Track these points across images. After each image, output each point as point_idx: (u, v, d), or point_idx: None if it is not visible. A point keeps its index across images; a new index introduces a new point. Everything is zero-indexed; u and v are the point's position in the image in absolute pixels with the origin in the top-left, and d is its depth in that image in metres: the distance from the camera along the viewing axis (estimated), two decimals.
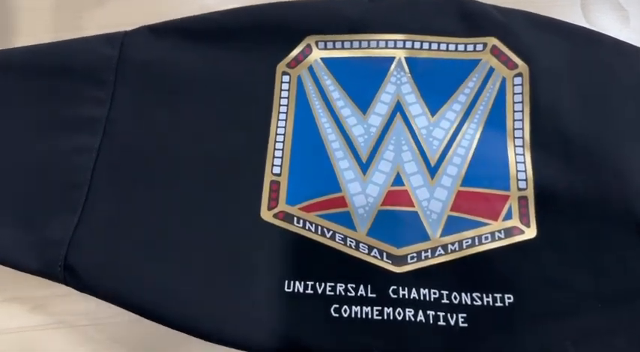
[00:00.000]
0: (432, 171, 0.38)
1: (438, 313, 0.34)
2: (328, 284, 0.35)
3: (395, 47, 0.41)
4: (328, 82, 0.40)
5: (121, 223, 0.36)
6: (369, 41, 0.41)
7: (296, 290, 0.35)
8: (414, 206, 0.37)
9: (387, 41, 0.41)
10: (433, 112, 0.39)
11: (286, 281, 0.35)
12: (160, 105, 0.39)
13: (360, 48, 0.41)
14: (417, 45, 0.41)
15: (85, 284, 0.35)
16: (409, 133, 0.39)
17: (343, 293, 0.34)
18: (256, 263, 0.35)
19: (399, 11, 0.41)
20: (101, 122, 0.39)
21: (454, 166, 0.38)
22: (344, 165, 0.38)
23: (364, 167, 0.38)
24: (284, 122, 0.39)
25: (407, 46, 0.41)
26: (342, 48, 0.41)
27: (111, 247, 0.36)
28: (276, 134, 0.39)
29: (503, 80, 0.39)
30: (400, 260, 0.36)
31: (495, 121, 0.39)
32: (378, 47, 0.41)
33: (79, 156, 0.38)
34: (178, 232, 0.36)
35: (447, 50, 0.40)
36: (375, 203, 0.37)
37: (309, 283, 0.35)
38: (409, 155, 0.38)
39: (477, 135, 0.39)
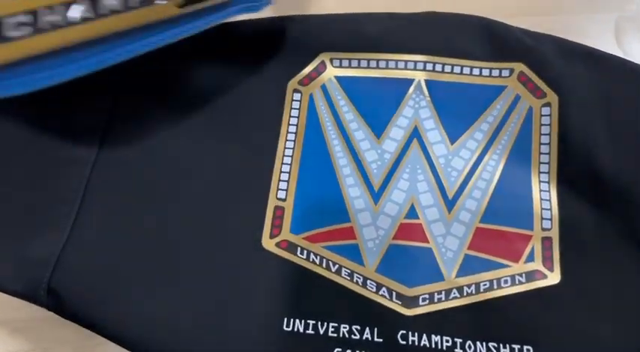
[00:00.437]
0: (450, 204, 0.35)
1: None
2: (331, 324, 0.32)
3: (415, 68, 0.38)
4: (342, 102, 0.37)
5: (112, 245, 0.33)
6: (387, 61, 0.38)
7: (296, 329, 0.32)
8: (428, 242, 0.34)
9: (406, 62, 0.38)
10: (453, 140, 0.37)
11: (285, 319, 0.32)
12: (161, 119, 0.36)
13: (377, 67, 0.38)
14: (439, 67, 0.38)
15: (69, 311, 0.33)
16: (426, 162, 0.36)
17: (347, 336, 0.31)
18: (255, 296, 0.32)
19: (421, 30, 0.39)
20: (98, 132, 0.36)
21: (473, 200, 0.35)
22: (354, 193, 0.35)
23: (376, 196, 0.35)
24: (292, 143, 0.36)
25: (427, 68, 0.38)
26: (359, 67, 0.38)
27: (100, 271, 0.33)
28: (284, 155, 0.36)
29: (530, 109, 0.37)
30: (411, 301, 0.33)
31: (520, 153, 0.36)
32: (396, 68, 0.38)
33: (72, 168, 0.35)
34: (174, 257, 0.33)
35: (471, 74, 0.38)
36: (386, 236, 0.34)
37: (311, 322, 0.32)
38: (425, 185, 0.35)
39: (500, 168, 0.36)
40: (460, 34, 0.38)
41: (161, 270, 0.33)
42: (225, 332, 0.31)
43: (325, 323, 0.32)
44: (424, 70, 0.38)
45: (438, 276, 0.33)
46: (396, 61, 0.38)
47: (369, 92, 0.38)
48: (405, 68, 0.38)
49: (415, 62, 0.38)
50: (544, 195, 0.35)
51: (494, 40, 0.38)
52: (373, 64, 0.38)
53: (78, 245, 0.33)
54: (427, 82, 0.38)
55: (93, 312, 0.32)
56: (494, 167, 0.36)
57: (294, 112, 0.37)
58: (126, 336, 0.31)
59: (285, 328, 0.32)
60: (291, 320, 0.32)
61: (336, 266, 0.34)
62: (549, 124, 0.36)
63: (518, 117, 0.37)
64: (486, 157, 0.36)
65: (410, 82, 0.38)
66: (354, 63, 0.38)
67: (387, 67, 0.38)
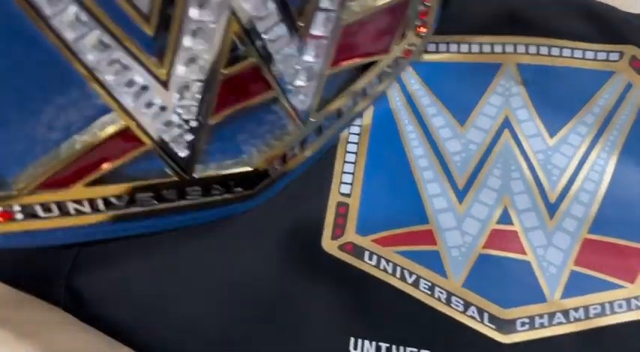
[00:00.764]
0: (551, 209, 0.29)
1: None
2: (408, 349, 0.25)
3: (503, 52, 0.32)
4: (416, 87, 0.31)
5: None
6: (469, 44, 0.32)
7: None
8: (525, 253, 0.28)
9: (492, 44, 0.32)
10: (552, 133, 0.30)
11: (352, 340, 0.25)
12: None
13: (458, 52, 0.32)
14: (533, 49, 0.32)
15: (91, 313, 0.26)
16: (521, 157, 0.30)
17: None
18: (314, 308, 0.26)
19: (508, 7, 0.33)
20: None
21: (580, 205, 0.29)
22: (433, 190, 0.29)
23: (460, 195, 0.29)
24: (358, 127, 0.30)
25: (519, 51, 0.32)
26: (436, 51, 0.32)
27: (129, 265, 0.27)
28: (347, 141, 0.30)
29: None
30: (507, 325, 0.26)
31: (634, 151, 0.30)
32: (481, 52, 0.32)
33: None
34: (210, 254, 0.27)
35: (572, 57, 0.32)
36: (474, 244, 0.28)
37: (383, 345, 0.25)
38: (520, 185, 0.29)
39: (611, 167, 0.29)
40: (557, 11, 0.32)
41: (196, 268, 0.27)
42: (277, 346, 0.25)
43: (400, 349, 0.25)
44: (515, 52, 0.32)
45: (539, 296, 0.27)
46: (481, 44, 0.32)
47: (448, 77, 0.32)
48: (492, 52, 0.32)
49: (504, 44, 0.32)
50: None
51: (598, 20, 0.32)
52: (454, 47, 0.32)
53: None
54: (519, 66, 0.32)
55: (119, 315, 0.26)
56: (603, 166, 0.29)
57: None
58: (157, 345, 0.25)
59: (351, 350, 0.25)
60: (359, 341, 0.25)
61: (413, 276, 0.27)
62: None
63: (630, 108, 0.31)
64: (593, 154, 0.30)
65: (497, 66, 0.32)
66: (431, 47, 0.32)
67: (469, 51, 0.32)
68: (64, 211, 0.22)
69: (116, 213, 0.23)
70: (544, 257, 0.28)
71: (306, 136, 0.26)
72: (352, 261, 0.27)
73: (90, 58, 0.18)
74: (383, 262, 0.27)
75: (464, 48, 0.32)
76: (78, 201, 0.22)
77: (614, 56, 0.31)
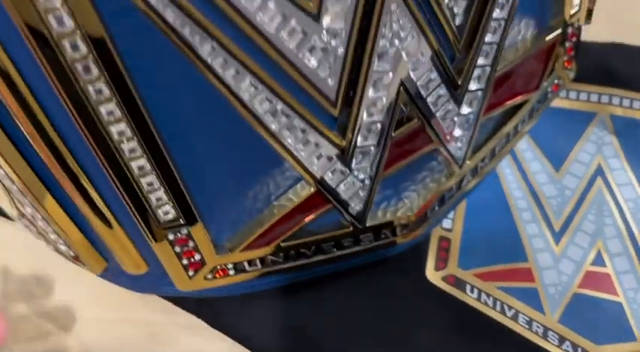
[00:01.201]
0: None
1: None
2: None
3: (599, 102, 0.34)
4: None
5: None
6: (567, 90, 0.35)
7: None
8: (617, 295, 0.30)
9: (589, 93, 0.35)
10: None
11: None
12: None
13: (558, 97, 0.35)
14: (627, 102, 0.34)
15: (221, 320, 0.30)
16: (613, 204, 0.32)
17: None
18: (418, 334, 0.29)
19: (606, 62, 0.35)
20: None
21: None
22: (532, 230, 0.32)
23: (557, 236, 0.32)
24: None
25: (614, 102, 0.34)
26: None
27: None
28: None
29: None
30: None
31: None
32: (578, 99, 0.35)
33: None
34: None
35: None
36: (570, 283, 0.30)
37: None
38: (613, 230, 0.31)
39: None
40: None
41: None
42: None
43: None
44: (609, 103, 0.34)
45: (630, 336, 0.29)
46: (578, 92, 0.35)
47: (545, 123, 0.34)
48: (588, 100, 0.35)
49: (599, 94, 0.35)
50: None
51: None
52: None
53: None
54: (612, 117, 0.34)
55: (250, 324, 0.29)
56: None
57: None
58: None
59: None
60: None
61: (512, 310, 0.30)
62: None
63: None
64: None
65: (592, 115, 0.34)
66: None
67: (567, 97, 0.35)
68: (264, 264, 0.26)
69: (294, 264, 0.27)
70: (634, 299, 0.30)
71: (462, 178, 0.29)
72: (454, 293, 0.30)
73: (288, 140, 0.21)
74: (484, 296, 0.30)
75: (562, 94, 0.35)
76: (270, 255, 0.26)
77: None
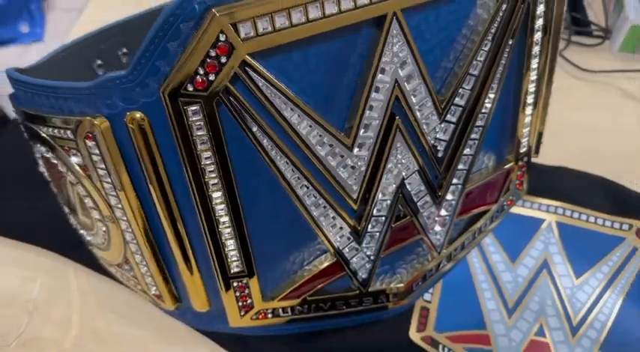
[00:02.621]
0: (574, 330, 0.41)
1: None
2: None
3: (547, 211, 0.46)
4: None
5: None
6: (523, 201, 0.46)
7: None
8: None
9: (540, 204, 0.46)
10: (578, 276, 0.43)
11: None
12: None
13: (518, 205, 0.46)
14: (568, 212, 0.46)
15: None
16: (554, 290, 0.42)
17: None
18: None
19: (552, 178, 0.47)
20: None
21: (594, 330, 0.41)
22: (491, 306, 0.42)
23: (510, 312, 0.42)
24: None
25: (558, 212, 0.46)
26: None
27: None
28: None
29: None
30: None
31: (634, 296, 0.42)
32: (531, 208, 0.46)
33: None
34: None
35: (595, 223, 0.45)
36: (518, 349, 0.40)
37: None
38: (552, 310, 0.42)
39: (617, 306, 0.42)
40: (586, 187, 0.46)
41: None
42: None
43: None
44: (555, 212, 0.46)
45: None
46: (531, 202, 0.46)
47: (506, 224, 0.45)
48: (539, 209, 0.46)
49: (548, 205, 0.46)
50: None
51: (615, 198, 0.46)
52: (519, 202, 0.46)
53: None
54: (557, 223, 0.45)
55: None
56: (612, 305, 0.42)
57: None
58: None
59: None
60: None
61: None
62: None
63: (635, 266, 0.43)
64: (606, 295, 0.42)
65: (542, 220, 0.46)
66: None
67: (523, 206, 0.46)
68: (293, 312, 0.36)
69: (301, 316, 0.36)
70: None
71: (439, 262, 0.39)
72: (430, 350, 0.40)
73: (323, 223, 0.32)
74: None
75: (520, 203, 0.46)
76: (298, 306, 0.36)
77: (625, 226, 0.45)
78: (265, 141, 0.29)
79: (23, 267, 0.43)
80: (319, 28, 0.26)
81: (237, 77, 0.26)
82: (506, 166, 0.39)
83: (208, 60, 0.25)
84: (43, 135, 0.31)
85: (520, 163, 0.39)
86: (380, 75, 0.29)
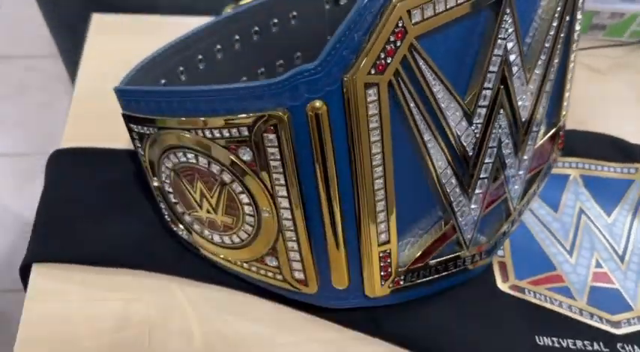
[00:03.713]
0: (621, 258, 0.49)
1: None
2: (569, 340, 0.43)
3: (570, 166, 0.54)
4: None
5: None
6: None
7: (546, 344, 0.43)
8: (614, 284, 0.47)
9: (563, 162, 0.54)
10: (608, 215, 0.51)
11: (536, 337, 0.43)
12: None
13: None
14: (587, 166, 0.54)
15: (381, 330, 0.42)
16: (596, 229, 0.50)
17: (584, 348, 0.43)
18: (503, 324, 0.43)
19: (567, 140, 0.55)
20: None
21: (636, 255, 0.49)
22: (554, 250, 0.48)
23: (569, 253, 0.49)
24: None
25: (579, 166, 0.54)
26: None
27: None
28: None
29: None
30: (616, 325, 0.45)
31: None
32: (556, 166, 0.54)
33: None
34: None
35: (609, 171, 0.54)
36: (585, 280, 0.47)
37: (554, 339, 0.43)
38: (600, 246, 0.49)
39: None
40: (596, 144, 0.55)
41: None
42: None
43: (565, 340, 0.43)
44: (577, 167, 0.54)
45: (628, 307, 0.46)
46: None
47: None
48: (563, 166, 0.54)
49: (570, 162, 0.54)
50: None
51: (619, 148, 0.55)
52: None
53: None
54: (581, 175, 0.53)
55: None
56: None
57: None
58: None
59: (538, 342, 0.43)
60: (541, 337, 0.43)
61: (557, 301, 0.45)
62: None
63: None
64: (634, 226, 0.51)
65: (568, 176, 0.53)
66: None
67: None
68: (418, 277, 0.39)
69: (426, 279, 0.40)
70: (624, 286, 0.47)
71: (514, 218, 0.45)
72: (518, 295, 0.46)
73: (447, 189, 0.36)
74: (537, 295, 0.46)
75: None
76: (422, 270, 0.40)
77: (632, 170, 0.54)
78: (417, 117, 0.33)
79: (124, 291, 0.43)
80: (461, 11, 0.31)
81: (405, 58, 0.31)
82: (555, 128, 0.46)
83: (388, 45, 0.29)
84: (191, 140, 0.33)
85: (562, 124, 0.47)
86: (496, 50, 0.35)
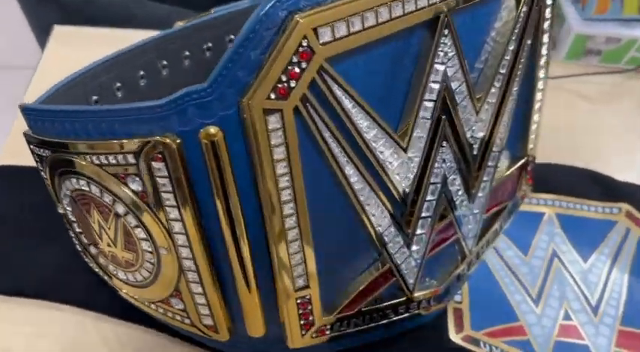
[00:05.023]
0: (594, 310, 0.43)
1: None
2: None
3: (546, 204, 0.49)
4: None
5: None
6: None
7: None
8: (584, 339, 0.42)
9: (538, 199, 0.49)
10: (585, 260, 0.46)
11: None
12: None
13: None
14: (564, 204, 0.49)
15: None
16: (569, 276, 0.45)
17: None
18: None
19: (544, 174, 0.50)
20: None
21: (612, 307, 0.44)
22: (518, 298, 0.43)
23: (535, 301, 0.43)
24: None
25: (555, 204, 0.49)
26: None
27: None
28: None
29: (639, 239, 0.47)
30: None
31: (638, 270, 0.45)
32: (530, 203, 0.49)
33: None
34: None
35: (589, 210, 0.49)
36: (550, 334, 0.42)
37: None
38: (572, 294, 0.44)
39: (625, 282, 0.45)
40: (576, 178, 0.50)
41: None
42: None
43: None
44: (553, 205, 0.49)
45: None
46: (530, 198, 0.49)
47: (512, 221, 0.48)
48: (538, 204, 0.49)
49: (546, 199, 0.49)
50: None
51: (602, 186, 0.50)
52: None
53: None
54: (557, 215, 0.48)
55: None
56: (620, 281, 0.45)
57: None
58: None
59: None
60: None
61: None
62: None
63: (631, 244, 0.47)
64: (613, 274, 0.45)
65: (542, 214, 0.48)
66: None
67: (523, 203, 0.49)
68: (348, 326, 0.35)
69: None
70: (595, 342, 0.42)
71: (470, 261, 0.40)
72: (472, 348, 0.41)
73: (379, 229, 0.32)
74: (494, 349, 0.41)
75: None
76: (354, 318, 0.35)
77: (615, 210, 0.49)
78: (335, 147, 0.29)
79: (32, 325, 0.39)
80: (385, 30, 0.27)
81: (314, 83, 0.26)
82: (521, 162, 0.41)
83: (290, 67, 0.25)
84: (82, 166, 0.29)
85: (530, 158, 0.42)
86: (432, 75, 0.30)
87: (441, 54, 0.30)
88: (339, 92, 0.27)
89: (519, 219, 0.47)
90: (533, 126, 0.41)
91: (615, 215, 0.49)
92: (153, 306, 0.35)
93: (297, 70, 0.26)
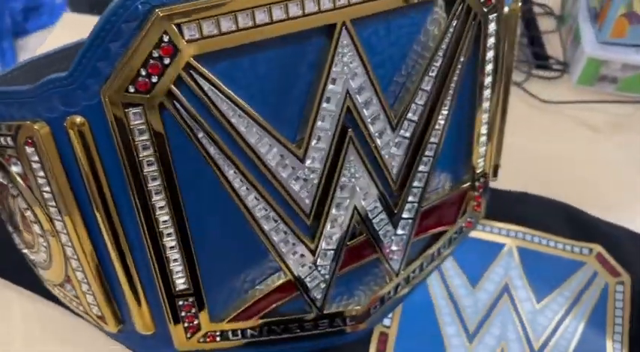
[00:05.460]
0: None
1: None
2: None
3: (508, 236, 0.45)
4: None
5: None
6: (483, 226, 0.46)
7: None
8: None
9: (500, 229, 0.46)
10: (539, 300, 0.42)
11: None
12: None
13: (479, 230, 0.46)
14: (528, 237, 0.45)
15: None
16: (515, 315, 0.42)
17: None
18: None
19: (513, 204, 0.47)
20: None
21: None
22: (451, 331, 0.41)
23: (470, 337, 0.40)
24: None
25: (519, 237, 0.45)
26: None
27: None
28: None
29: (606, 285, 0.43)
30: None
31: (596, 320, 0.41)
32: (492, 232, 0.46)
33: None
34: None
35: (555, 247, 0.45)
36: None
37: None
38: (514, 335, 0.41)
39: (579, 331, 0.41)
40: (545, 211, 0.46)
41: None
42: None
43: None
44: (516, 237, 0.45)
45: None
46: (491, 227, 0.46)
47: (466, 248, 0.45)
48: (500, 234, 0.46)
49: (508, 230, 0.46)
50: None
51: (576, 223, 0.46)
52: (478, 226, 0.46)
53: None
54: (518, 247, 0.45)
55: None
56: (574, 329, 0.41)
57: None
58: None
59: None
60: None
61: None
62: (622, 300, 0.42)
63: (596, 290, 0.43)
64: (567, 320, 0.42)
65: (502, 245, 0.45)
66: None
67: (483, 230, 0.46)
68: (244, 336, 0.34)
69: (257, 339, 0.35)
70: None
71: (397, 285, 0.38)
72: None
73: (275, 239, 0.31)
74: None
75: (480, 227, 0.46)
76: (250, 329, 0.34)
77: (585, 251, 0.45)
78: (212, 149, 0.28)
79: None
80: (267, 33, 0.26)
81: (182, 80, 0.26)
82: (463, 187, 0.39)
83: (151, 61, 0.25)
84: None
85: (477, 184, 0.39)
86: (331, 85, 0.29)
87: (340, 63, 0.28)
88: (211, 92, 0.26)
89: (476, 247, 0.45)
90: (482, 149, 0.38)
91: (585, 256, 0.45)
92: (56, 289, 0.36)
93: (159, 64, 0.25)
